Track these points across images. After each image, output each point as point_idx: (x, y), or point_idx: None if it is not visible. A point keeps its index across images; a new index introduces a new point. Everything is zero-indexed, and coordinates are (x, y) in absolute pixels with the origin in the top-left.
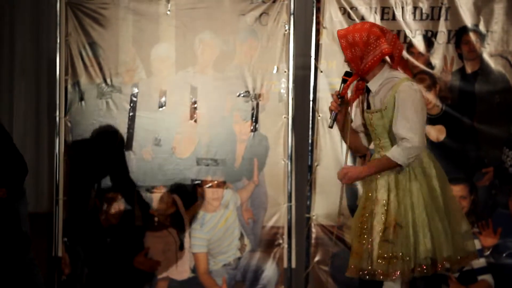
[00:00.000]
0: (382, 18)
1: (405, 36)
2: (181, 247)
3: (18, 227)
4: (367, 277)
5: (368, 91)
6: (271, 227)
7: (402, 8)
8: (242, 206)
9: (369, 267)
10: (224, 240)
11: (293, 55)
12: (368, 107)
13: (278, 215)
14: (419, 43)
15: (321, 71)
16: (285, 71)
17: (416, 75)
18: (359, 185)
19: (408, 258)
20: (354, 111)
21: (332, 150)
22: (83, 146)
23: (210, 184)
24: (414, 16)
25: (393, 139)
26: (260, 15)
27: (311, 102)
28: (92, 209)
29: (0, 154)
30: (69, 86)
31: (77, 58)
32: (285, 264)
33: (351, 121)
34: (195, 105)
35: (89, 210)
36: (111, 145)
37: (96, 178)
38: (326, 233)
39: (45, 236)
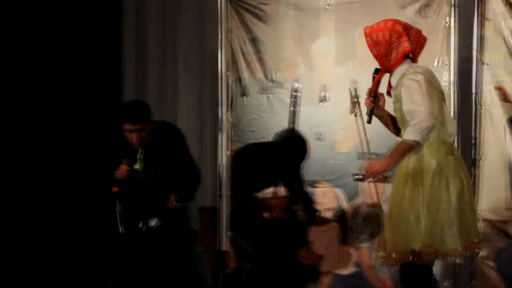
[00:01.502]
0: None
1: None
2: (344, 242)
3: (187, 225)
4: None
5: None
6: None
7: None
8: None
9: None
10: None
11: (456, 48)
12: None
13: None
14: None
15: (487, 64)
16: (446, 64)
17: None
18: None
19: (396, 244)
20: None
21: (496, 143)
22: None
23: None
24: None
25: None
26: (421, 7)
27: (473, 95)
28: (256, 203)
29: (177, 164)
30: (231, 82)
31: (238, 54)
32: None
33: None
34: (356, 99)
35: (252, 205)
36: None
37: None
38: (492, 228)
39: (211, 230)
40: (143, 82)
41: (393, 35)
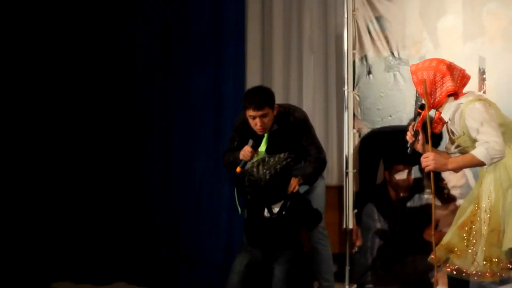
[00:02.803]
0: None
1: None
2: None
3: (309, 206)
4: (475, 277)
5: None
6: None
7: None
8: None
9: (475, 269)
10: None
11: None
12: (453, 133)
13: None
14: None
15: None
16: None
17: None
18: None
19: (502, 259)
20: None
21: None
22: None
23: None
24: None
25: None
26: None
27: None
28: (381, 182)
29: (302, 148)
30: (356, 60)
31: (364, 32)
32: None
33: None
34: (484, 76)
35: (378, 183)
36: None
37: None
38: None
39: (336, 209)
40: (269, 63)
41: (437, 75)
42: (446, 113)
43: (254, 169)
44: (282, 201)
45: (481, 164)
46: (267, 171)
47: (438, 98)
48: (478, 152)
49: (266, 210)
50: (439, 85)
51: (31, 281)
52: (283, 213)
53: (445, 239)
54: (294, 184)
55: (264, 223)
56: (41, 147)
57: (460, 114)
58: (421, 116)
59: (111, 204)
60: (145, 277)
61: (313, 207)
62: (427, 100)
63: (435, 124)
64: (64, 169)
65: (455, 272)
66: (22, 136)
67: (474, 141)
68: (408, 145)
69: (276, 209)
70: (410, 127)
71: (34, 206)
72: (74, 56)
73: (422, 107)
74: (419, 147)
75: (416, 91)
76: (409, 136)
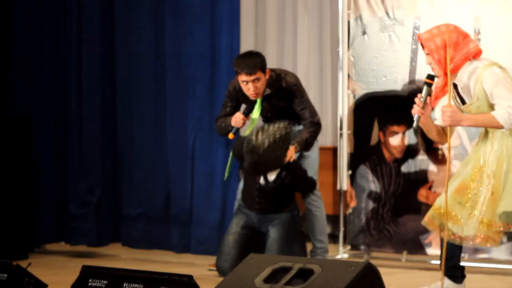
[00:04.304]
0: None
1: None
2: None
3: (305, 175)
4: (467, 242)
5: (455, 86)
6: None
7: None
8: None
9: (469, 233)
10: None
11: None
12: (463, 102)
13: None
14: None
15: None
16: None
17: None
18: None
19: (496, 222)
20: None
21: None
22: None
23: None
24: None
25: None
26: None
27: None
28: (376, 143)
29: (295, 113)
30: (351, 20)
31: None
32: None
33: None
34: (479, 36)
35: (372, 145)
36: None
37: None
38: None
39: (331, 170)
40: (263, 22)
41: (460, 37)
42: (460, 79)
43: (253, 136)
44: (278, 170)
45: (499, 126)
46: (266, 139)
47: (459, 61)
48: (500, 115)
49: (262, 178)
50: (461, 47)
51: (23, 242)
52: (278, 183)
53: (438, 202)
54: (290, 153)
55: (259, 190)
56: None
57: (477, 79)
58: (435, 87)
59: (103, 166)
60: (138, 238)
61: (308, 174)
62: (444, 67)
63: (440, 93)
64: (53, 133)
65: (449, 236)
66: None
67: (490, 106)
68: (415, 118)
69: (271, 177)
70: (417, 99)
71: (27, 165)
72: None
73: (430, 77)
74: (423, 120)
75: (430, 59)
76: (418, 110)
